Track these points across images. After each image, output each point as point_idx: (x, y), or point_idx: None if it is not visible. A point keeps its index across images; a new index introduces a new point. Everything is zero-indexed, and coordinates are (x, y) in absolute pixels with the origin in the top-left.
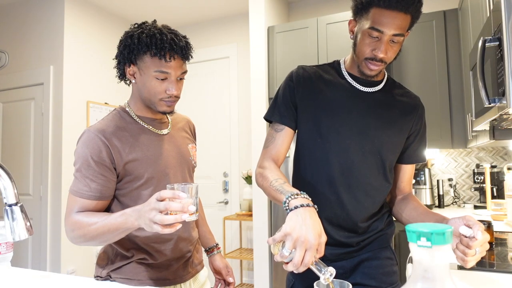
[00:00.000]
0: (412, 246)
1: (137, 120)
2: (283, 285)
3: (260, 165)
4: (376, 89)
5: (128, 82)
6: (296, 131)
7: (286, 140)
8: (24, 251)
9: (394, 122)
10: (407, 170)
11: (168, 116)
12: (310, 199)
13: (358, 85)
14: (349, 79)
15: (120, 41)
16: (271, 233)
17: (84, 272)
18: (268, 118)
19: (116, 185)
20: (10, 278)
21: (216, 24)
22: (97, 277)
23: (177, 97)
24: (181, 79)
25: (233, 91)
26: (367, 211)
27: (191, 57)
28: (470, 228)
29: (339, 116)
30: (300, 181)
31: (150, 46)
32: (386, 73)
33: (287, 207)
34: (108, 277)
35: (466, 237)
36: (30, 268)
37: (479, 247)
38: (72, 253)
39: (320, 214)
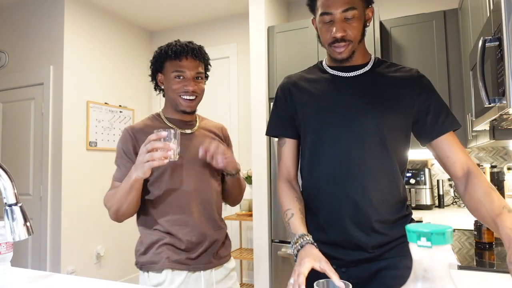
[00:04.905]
0: (412, 246)
1: (165, 120)
2: (283, 285)
3: (277, 182)
4: (361, 72)
5: (160, 91)
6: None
7: (291, 152)
8: (24, 251)
9: (386, 99)
10: (447, 143)
11: (198, 120)
12: (306, 238)
13: (341, 73)
14: (331, 71)
15: (153, 57)
16: (271, 233)
17: (84, 272)
18: (268, 133)
19: None
20: (10, 278)
21: (216, 24)
22: (136, 262)
23: (195, 92)
24: (199, 78)
25: (233, 91)
26: (377, 199)
27: (204, 58)
28: None
29: (327, 107)
30: (305, 184)
31: (167, 52)
32: (372, 56)
33: (294, 253)
34: (137, 263)
35: None
36: (30, 268)
37: None
38: (72, 253)
39: (330, 215)
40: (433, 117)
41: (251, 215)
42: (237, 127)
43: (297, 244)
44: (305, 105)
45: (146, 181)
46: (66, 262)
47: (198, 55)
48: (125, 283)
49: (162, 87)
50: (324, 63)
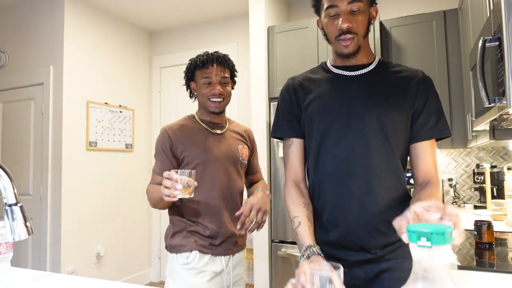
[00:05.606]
0: (412, 246)
1: (198, 121)
2: (283, 285)
3: (285, 186)
4: (366, 71)
5: (195, 97)
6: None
7: (299, 152)
8: (24, 251)
9: (390, 98)
10: (423, 150)
11: (227, 123)
12: (313, 249)
13: (345, 72)
14: (336, 70)
15: (186, 68)
16: (271, 234)
17: (84, 272)
18: (274, 135)
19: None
20: (10, 278)
21: (216, 24)
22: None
23: (222, 95)
24: (225, 83)
25: (233, 91)
26: (382, 198)
27: (229, 65)
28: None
29: (331, 106)
30: (310, 184)
31: (196, 62)
32: (376, 56)
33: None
34: (167, 246)
35: None
36: (30, 268)
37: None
38: (72, 253)
39: (334, 215)
40: (422, 121)
41: None
42: None
43: (304, 256)
44: (310, 105)
45: None
46: (66, 262)
47: (222, 62)
48: (125, 283)
49: (195, 93)
50: (328, 63)
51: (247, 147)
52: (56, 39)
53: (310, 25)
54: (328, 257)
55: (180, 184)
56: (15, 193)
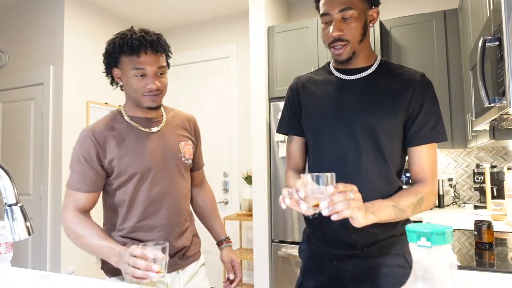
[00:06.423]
0: (412, 246)
1: (128, 120)
2: (283, 285)
3: (285, 175)
4: (365, 74)
5: (120, 85)
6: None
7: (298, 148)
8: (24, 251)
9: (385, 103)
10: (418, 153)
11: (164, 114)
12: None
13: (345, 75)
14: (336, 73)
15: (105, 50)
16: (271, 233)
17: (84, 272)
18: (277, 131)
19: (107, 180)
20: (10, 278)
21: (216, 24)
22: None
23: (159, 90)
24: (162, 74)
25: (233, 91)
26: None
27: (165, 49)
28: None
29: (329, 110)
30: None
31: (122, 46)
32: (378, 56)
33: None
34: (102, 268)
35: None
36: (30, 268)
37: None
38: (72, 253)
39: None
40: (418, 125)
41: (251, 215)
42: (237, 127)
43: None
44: (308, 106)
45: (111, 185)
46: (66, 262)
47: (158, 48)
48: (125, 283)
49: (120, 83)
50: (331, 64)
51: (190, 142)
52: (56, 39)
53: (310, 25)
54: (321, 251)
55: (156, 265)
56: (15, 193)
